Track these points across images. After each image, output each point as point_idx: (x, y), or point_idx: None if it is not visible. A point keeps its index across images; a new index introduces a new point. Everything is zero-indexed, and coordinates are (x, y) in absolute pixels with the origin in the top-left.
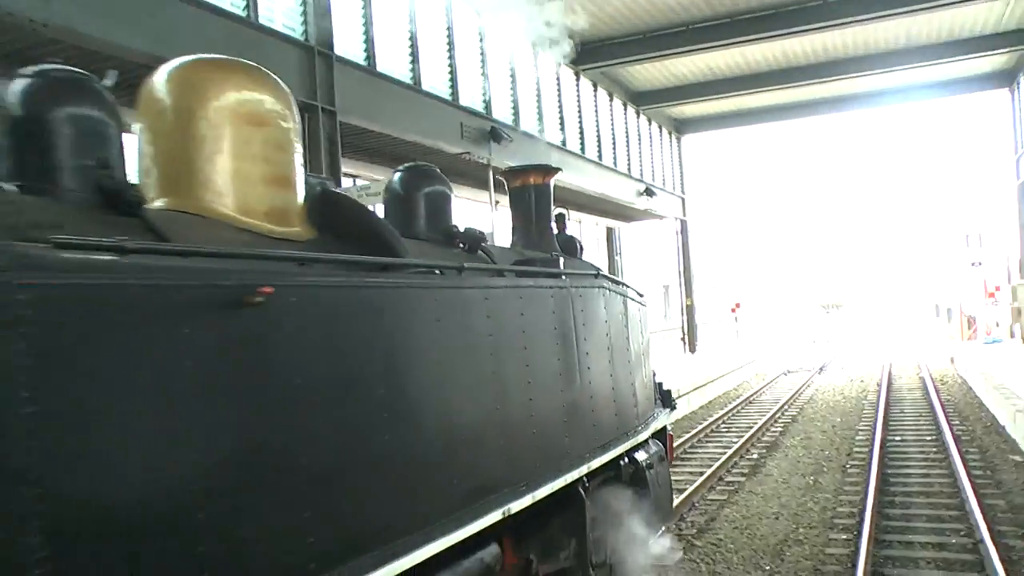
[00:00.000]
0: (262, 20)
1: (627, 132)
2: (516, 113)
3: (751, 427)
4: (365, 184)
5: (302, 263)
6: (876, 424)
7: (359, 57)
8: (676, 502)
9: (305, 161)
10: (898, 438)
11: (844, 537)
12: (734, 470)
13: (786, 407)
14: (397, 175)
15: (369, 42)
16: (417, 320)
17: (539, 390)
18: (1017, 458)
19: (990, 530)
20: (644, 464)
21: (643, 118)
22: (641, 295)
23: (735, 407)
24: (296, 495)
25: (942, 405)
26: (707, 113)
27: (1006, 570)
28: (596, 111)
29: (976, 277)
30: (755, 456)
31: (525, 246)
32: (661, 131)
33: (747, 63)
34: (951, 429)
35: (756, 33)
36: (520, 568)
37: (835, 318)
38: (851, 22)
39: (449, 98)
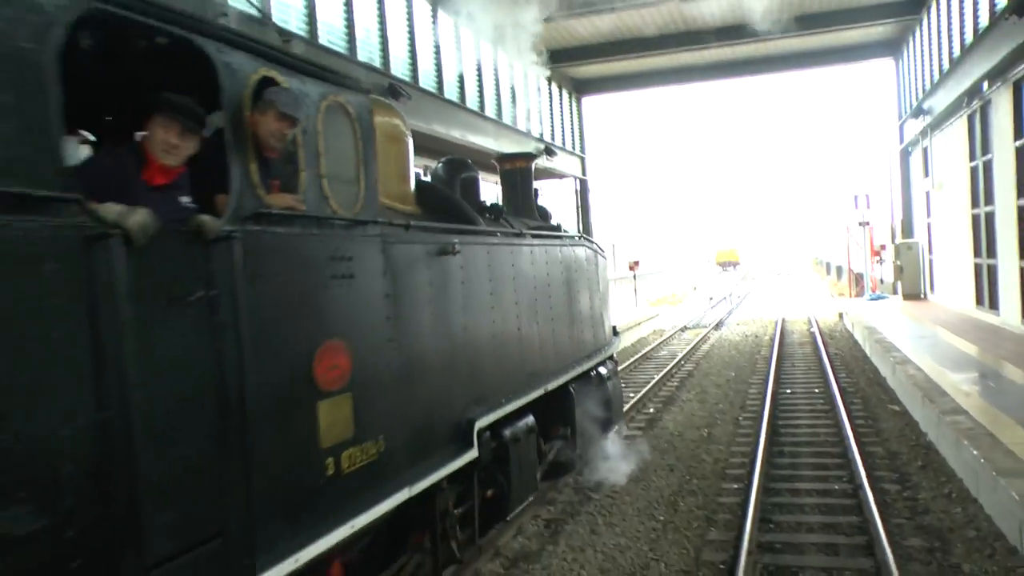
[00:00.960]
0: None
1: (527, 91)
2: (414, 70)
3: (648, 382)
4: None
5: (462, 233)
6: (768, 378)
7: (253, 9)
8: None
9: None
10: (788, 391)
11: (735, 487)
12: (631, 425)
13: (682, 362)
14: (439, 165)
15: None
16: (505, 263)
17: (555, 317)
18: (896, 408)
19: (868, 476)
20: (606, 376)
21: (543, 78)
22: (603, 249)
23: (633, 363)
24: (477, 356)
25: (830, 359)
26: (606, 74)
27: (880, 512)
28: (495, 70)
29: (863, 236)
30: (651, 411)
31: (518, 215)
32: (561, 91)
33: (646, 25)
34: (837, 381)
35: None
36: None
37: (731, 275)
38: None
39: (346, 53)
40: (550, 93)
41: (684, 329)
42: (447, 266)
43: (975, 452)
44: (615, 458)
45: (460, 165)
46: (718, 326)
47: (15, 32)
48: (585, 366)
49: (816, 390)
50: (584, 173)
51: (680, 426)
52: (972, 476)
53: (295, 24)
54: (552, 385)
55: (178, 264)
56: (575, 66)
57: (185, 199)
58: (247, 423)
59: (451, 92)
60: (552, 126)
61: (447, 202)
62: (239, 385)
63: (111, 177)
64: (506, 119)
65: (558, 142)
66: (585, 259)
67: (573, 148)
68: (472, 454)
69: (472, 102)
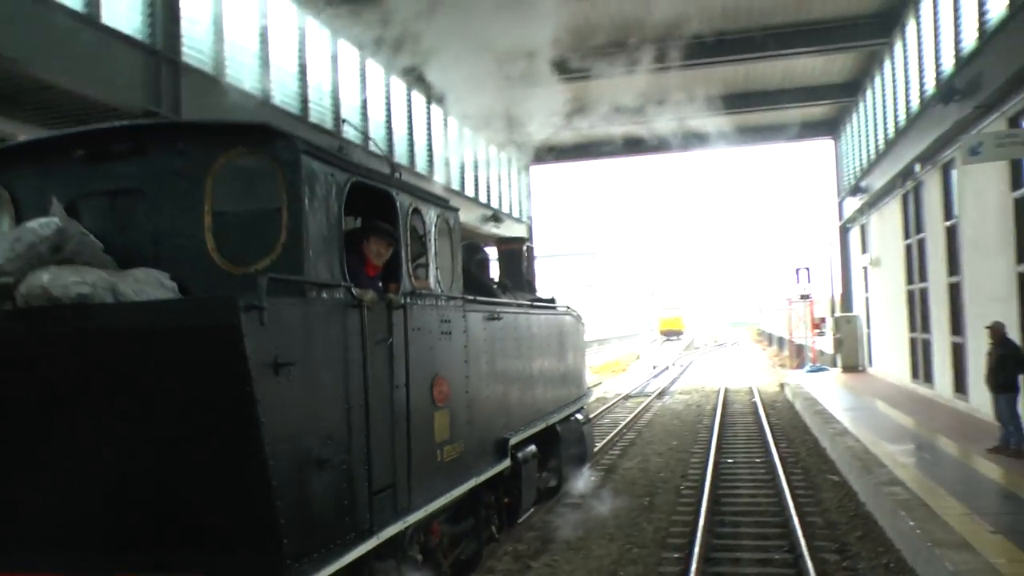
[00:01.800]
0: (105, 20)
1: (476, 158)
2: (364, 134)
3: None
4: None
5: (500, 305)
6: (710, 447)
7: (207, 65)
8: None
9: None
10: (730, 460)
11: (676, 556)
12: (573, 494)
13: (624, 431)
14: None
15: (218, 50)
16: (523, 327)
17: (551, 369)
18: (835, 478)
19: (809, 545)
20: (582, 421)
21: (492, 146)
22: (582, 317)
23: None
24: (508, 394)
25: (771, 429)
26: (556, 144)
27: None
28: (446, 136)
29: (804, 309)
30: (593, 479)
31: (516, 288)
32: (510, 160)
33: (593, 98)
34: (778, 451)
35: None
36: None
37: (675, 345)
38: (697, 64)
39: (299, 114)
40: (499, 161)
41: (627, 398)
42: (492, 327)
43: (911, 523)
44: (554, 527)
45: (475, 249)
46: (661, 395)
47: (330, 193)
48: (569, 411)
49: (757, 459)
50: (530, 239)
51: (621, 495)
52: (909, 546)
53: (248, 83)
54: (551, 422)
55: (380, 320)
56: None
57: (380, 284)
58: (409, 418)
59: (401, 156)
60: (500, 193)
61: (480, 283)
62: (405, 394)
63: (352, 272)
64: (454, 185)
65: (505, 209)
66: (570, 324)
67: (520, 215)
68: (507, 463)
69: (422, 168)
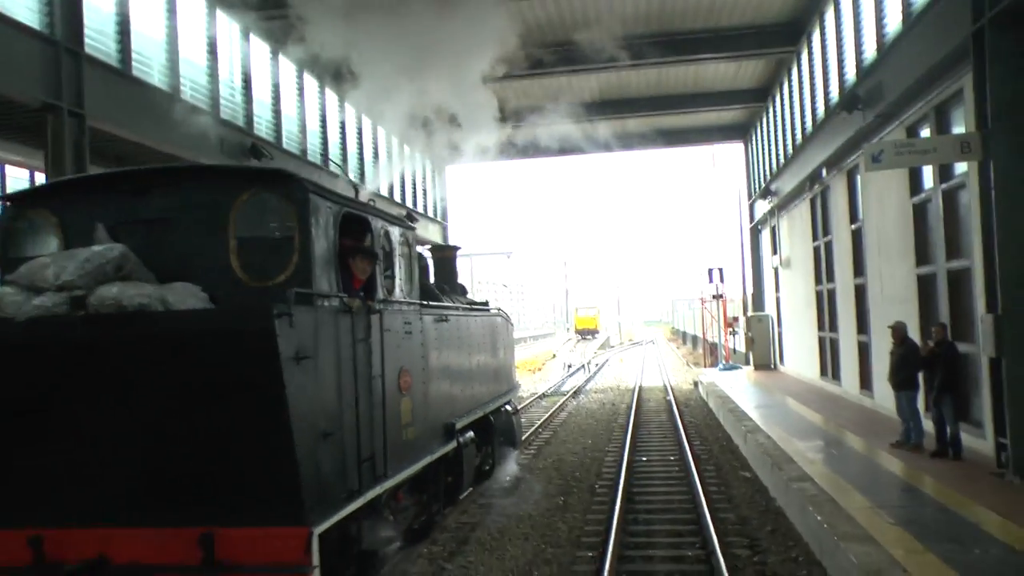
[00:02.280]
0: None
1: (390, 157)
2: (278, 131)
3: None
4: None
5: (446, 309)
6: (624, 446)
7: (112, 58)
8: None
9: (47, 167)
10: (644, 459)
11: (590, 555)
12: (486, 494)
13: (540, 431)
14: (429, 248)
15: (124, 43)
16: (464, 327)
17: (486, 364)
18: (747, 474)
19: (720, 541)
20: (511, 412)
21: (407, 146)
22: (510, 318)
23: None
24: (453, 385)
25: (684, 427)
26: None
27: None
28: (359, 134)
29: (717, 308)
30: (507, 480)
31: (452, 292)
32: (424, 159)
33: (507, 100)
34: (691, 449)
35: (529, 71)
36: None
37: (590, 344)
38: (613, 67)
39: (209, 109)
40: (413, 159)
41: (542, 397)
42: (441, 328)
43: (819, 517)
44: (468, 527)
45: (441, 248)
46: (576, 394)
47: (329, 222)
48: (501, 402)
49: (671, 457)
50: (446, 240)
51: (536, 494)
52: (816, 540)
53: (157, 78)
54: (487, 410)
55: (362, 323)
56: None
57: (362, 294)
58: (384, 402)
59: (314, 155)
60: (415, 192)
61: (427, 288)
62: (381, 381)
63: (343, 284)
64: (369, 184)
65: (420, 208)
66: (501, 324)
67: (435, 215)
68: (454, 444)
69: (335, 167)
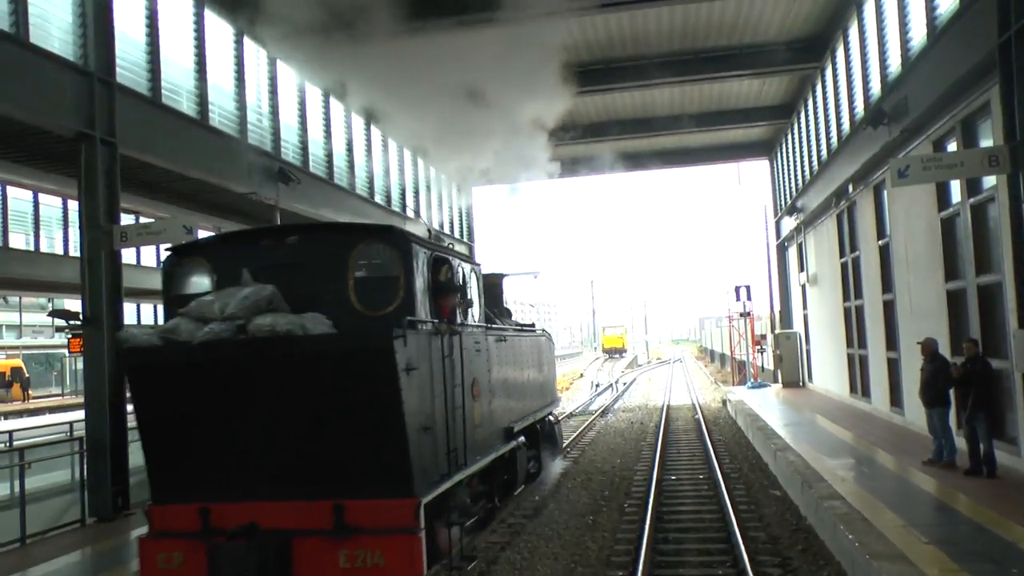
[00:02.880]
0: (34, 40)
1: (416, 179)
2: (304, 155)
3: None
4: (147, 222)
5: (505, 331)
6: (653, 465)
7: (142, 87)
8: None
9: (80, 195)
10: (673, 477)
11: (620, 574)
12: (517, 512)
13: (568, 449)
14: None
15: (154, 72)
16: (518, 346)
17: (534, 379)
18: (777, 493)
19: (751, 560)
20: (554, 421)
21: (431, 168)
22: (552, 337)
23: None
24: (509, 395)
25: (713, 445)
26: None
27: None
28: (386, 158)
29: (745, 326)
30: (537, 499)
31: (501, 316)
32: (451, 180)
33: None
34: (720, 467)
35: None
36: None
37: (618, 363)
38: (633, 87)
39: (237, 135)
40: (439, 180)
41: (570, 416)
42: (500, 347)
43: (850, 536)
44: (498, 547)
45: (491, 276)
46: (604, 413)
47: (425, 265)
48: (545, 412)
49: (700, 476)
50: (474, 259)
51: (565, 514)
52: (848, 559)
53: (185, 105)
54: (536, 418)
55: (447, 342)
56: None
57: (446, 320)
58: (463, 405)
59: (340, 178)
60: (441, 213)
61: (485, 312)
62: (460, 389)
63: (435, 313)
64: (395, 206)
65: (446, 230)
66: (545, 343)
67: (461, 236)
68: (513, 444)
69: (361, 188)
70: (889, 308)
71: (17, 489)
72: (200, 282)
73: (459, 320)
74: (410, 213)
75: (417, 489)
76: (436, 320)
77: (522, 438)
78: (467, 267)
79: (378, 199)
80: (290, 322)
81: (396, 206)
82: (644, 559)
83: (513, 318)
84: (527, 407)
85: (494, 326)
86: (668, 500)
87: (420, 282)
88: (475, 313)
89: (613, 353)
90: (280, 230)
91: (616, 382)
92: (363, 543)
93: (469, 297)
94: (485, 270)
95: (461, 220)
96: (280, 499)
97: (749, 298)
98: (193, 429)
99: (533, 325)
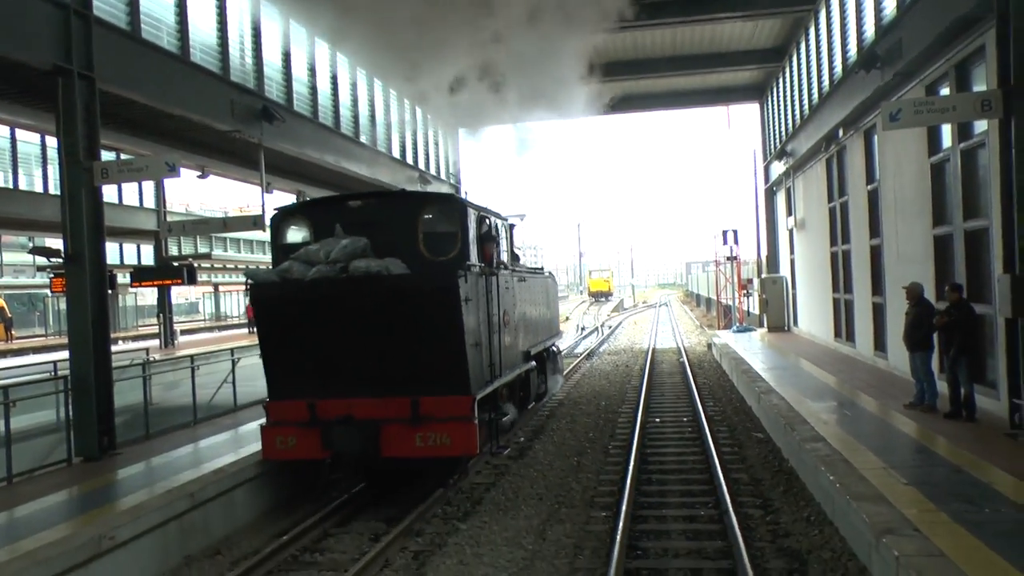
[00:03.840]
0: None
1: (403, 118)
2: (289, 93)
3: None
4: (128, 158)
5: (524, 272)
6: (638, 407)
7: (121, 20)
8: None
9: (59, 130)
10: (658, 419)
11: (603, 515)
12: (503, 453)
13: (540, 406)
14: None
15: (133, 5)
16: (531, 286)
17: (543, 314)
18: (760, 435)
19: (733, 501)
20: (556, 352)
21: (419, 108)
22: (555, 277)
23: None
24: (527, 326)
25: (698, 388)
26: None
27: (744, 536)
28: (371, 97)
29: (731, 270)
30: (522, 440)
31: (511, 260)
32: (436, 120)
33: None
34: (705, 410)
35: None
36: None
37: (603, 307)
38: (625, 26)
39: (219, 72)
40: (426, 121)
41: None
42: (520, 286)
43: (831, 478)
44: (482, 487)
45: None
46: (589, 356)
47: (474, 222)
48: (551, 343)
49: (684, 419)
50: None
51: (550, 455)
52: (829, 500)
53: (166, 41)
54: (544, 346)
55: (488, 281)
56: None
57: (487, 264)
58: (499, 330)
59: (325, 117)
60: (427, 154)
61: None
62: (497, 318)
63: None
64: (380, 146)
65: (432, 171)
66: (551, 284)
67: (447, 177)
68: (532, 364)
69: (346, 128)
70: (876, 253)
71: (2, 428)
72: (300, 234)
73: (495, 264)
74: (395, 153)
75: (472, 389)
76: (481, 264)
77: (533, 362)
78: (500, 221)
79: (363, 139)
80: (379, 265)
81: (382, 146)
82: (627, 500)
83: (521, 262)
84: (538, 337)
85: (517, 269)
86: (652, 442)
87: (471, 235)
88: (504, 258)
89: (599, 297)
90: (366, 196)
91: (602, 325)
92: (433, 428)
93: (500, 245)
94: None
95: (447, 161)
96: (369, 396)
97: (736, 242)
98: (303, 344)
99: (542, 268)
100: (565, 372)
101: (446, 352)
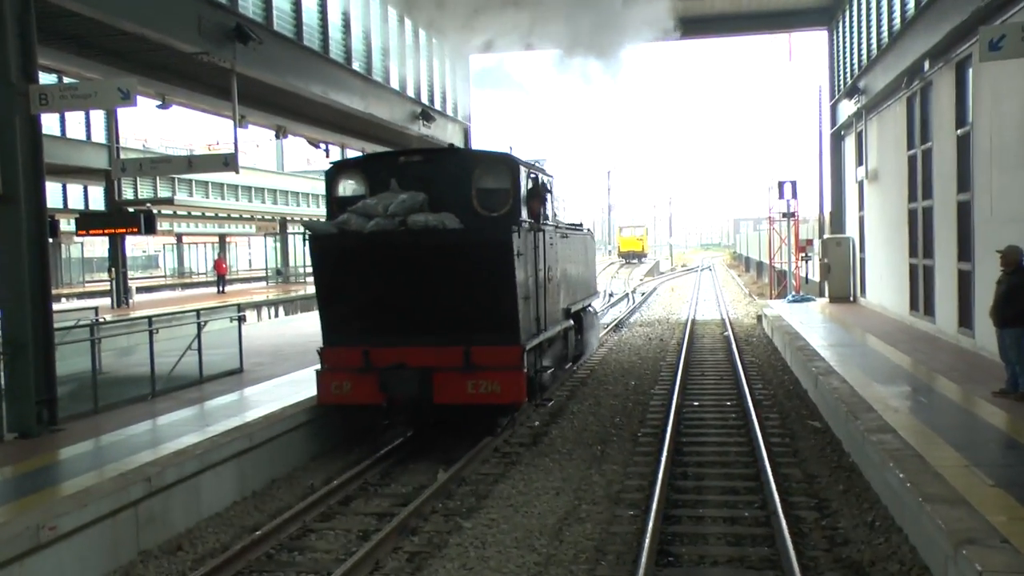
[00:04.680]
0: None
1: (403, 43)
2: (268, 10)
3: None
4: (72, 83)
5: (566, 229)
6: (673, 388)
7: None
8: None
9: None
10: (696, 403)
11: (630, 513)
12: (512, 440)
13: (574, 368)
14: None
15: None
16: (572, 242)
17: (583, 272)
18: (816, 424)
19: (783, 502)
20: (594, 312)
21: (422, 31)
22: (592, 233)
23: None
24: (568, 283)
25: (744, 368)
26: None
27: (795, 543)
28: (366, 17)
29: (788, 229)
30: (536, 423)
31: (554, 217)
32: (443, 47)
33: None
34: (752, 394)
35: None
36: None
37: (636, 269)
38: None
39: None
40: (430, 47)
41: None
42: (563, 242)
43: (900, 475)
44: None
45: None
46: (618, 327)
47: (525, 179)
48: (587, 302)
49: (728, 403)
50: (468, 143)
51: (569, 443)
52: (897, 503)
53: None
54: (583, 305)
55: (535, 237)
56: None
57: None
58: (545, 285)
59: (311, 39)
60: (432, 87)
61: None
62: (543, 273)
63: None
64: (376, 76)
65: (438, 106)
66: (590, 241)
67: (455, 114)
68: (571, 323)
69: (336, 53)
70: (964, 210)
71: None
72: (358, 189)
73: (542, 220)
74: (394, 84)
75: (522, 340)
76: (530, 220)
77: (571, 321)
78: (547, 179)
79: (356, 66)
80: (437, 219)
81: (378, 76)
82: (659, 497)
83: (559, 218)
84: (577, 295)
85: (560, 225)
86: (689, 430)
87: (522, 192)
88: (549, 213)
89: (631, 258)
90: (421, 151)
91: (633, 292)
92: (484, 376)
93: (547, 202)
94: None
95: (455, 93)
96: (423, 345)
97: (794, 196)
98: (359, 294)
99: (581, 224)
100: None
101: (499, 304)
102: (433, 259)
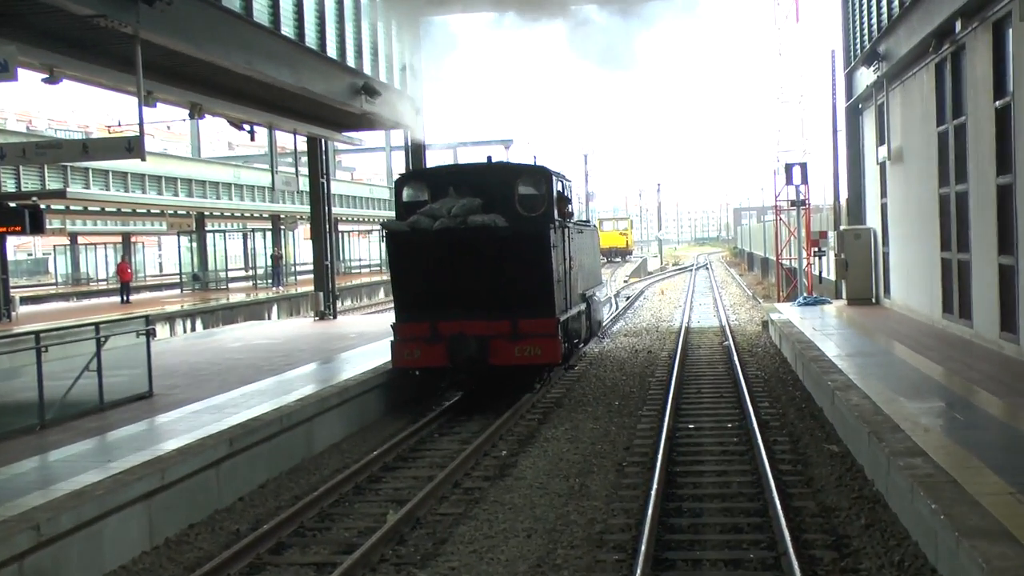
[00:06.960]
0: None
1: (342, 5)
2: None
3: (499, 413)
4: None
5: (579, 225)
6: (664, 409)
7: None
8: None
9: None
10: (691, 426)
11: (615, 558)
12: (474, 473)
13: (548, 387)
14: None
15: None
16: (583, 237)
17: (591, 262)
18: (834, 448)
19: (794, 540)
20: (600, 300)
21: None
22: (595, 228)
23: None
24: (583, 271)
25: (748, 383)
26: None
27: None
28: None
29: (797, 220)
30: (504, 453)
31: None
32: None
33: None
34: (757, 413)
35: None
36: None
37: (620, 269)
38: None
39: None
40: (373, 10)
41: None
42: (579, 236)
43: (934, 507)
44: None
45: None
46: (599, 337)
47: (556, 185)
48: (594, 290)
49: (728, 425)
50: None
51: (542, 474)
52: (930, 537)
53: None
54: (593, 292)
55: (564, 232)
56: None
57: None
58: (570, 272)
59: (260, 14)
60: (376, 56)
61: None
62: (569, 262)
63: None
64: (310, 42)
65: (383, 77)
66: (594, 234)
67: (402, 86)
68: (585, 305)
69: (261, 15)
70: (1006, 195)
71: None
72: (421, 195)
73: (568, 218)
74: (331, 52)
75: (557, 313)
76: (560, 219)
77: (583, 305)
78: (569, 183)
79: (286, 31)
80: (490, 219)
81: (312, 42)
82: (647, 538)
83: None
84: (588, 283)
85: (577, 222)
86: (683, 457)
87: (554, 196)
88: (570, 213)
89: (613, 256)
90: (473, 166)
91: (616, 295)
92: (528, 342)
93: (569, 202)
94: (497, 158)
95: (404, 63)
96: (478, 319)
97: (805, 181)
98: (427, 279)
99: (588, 221)
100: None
101: (539, 285)
102: (487, 250)
